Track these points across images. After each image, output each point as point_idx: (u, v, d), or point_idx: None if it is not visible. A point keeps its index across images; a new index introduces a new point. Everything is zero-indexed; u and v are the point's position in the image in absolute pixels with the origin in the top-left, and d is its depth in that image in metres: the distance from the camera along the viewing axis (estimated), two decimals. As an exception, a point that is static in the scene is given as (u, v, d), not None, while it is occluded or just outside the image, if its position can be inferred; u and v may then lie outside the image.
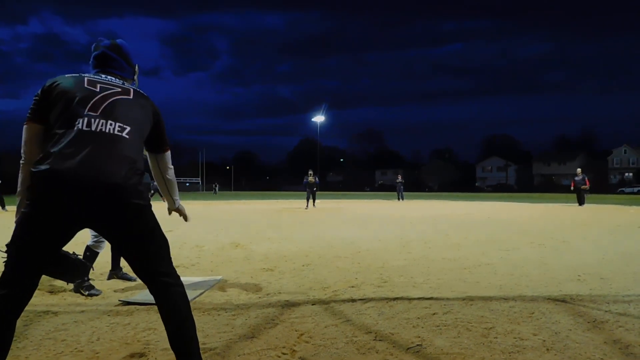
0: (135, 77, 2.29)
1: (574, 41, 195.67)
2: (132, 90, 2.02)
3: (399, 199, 26.85)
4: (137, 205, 1.78)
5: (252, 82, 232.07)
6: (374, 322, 2.86)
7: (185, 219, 2.48)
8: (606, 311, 3.08)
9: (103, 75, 2.03)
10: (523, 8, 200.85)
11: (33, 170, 1.71)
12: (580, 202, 18.84)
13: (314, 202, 18.73)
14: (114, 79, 2.04)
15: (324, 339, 2.53)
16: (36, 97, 1.88)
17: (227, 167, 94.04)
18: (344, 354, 2.32)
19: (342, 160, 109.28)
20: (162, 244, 1.88)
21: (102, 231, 1.80)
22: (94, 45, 2.20)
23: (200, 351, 1.88)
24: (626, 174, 78.41)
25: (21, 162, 1.87)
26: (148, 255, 1.82)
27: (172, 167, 2.26)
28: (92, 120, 1.81)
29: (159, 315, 1.86)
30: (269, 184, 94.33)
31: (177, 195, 2.35)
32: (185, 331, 1.81)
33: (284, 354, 2.33)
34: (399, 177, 27.82)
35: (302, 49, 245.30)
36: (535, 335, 2.58)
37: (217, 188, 59.11)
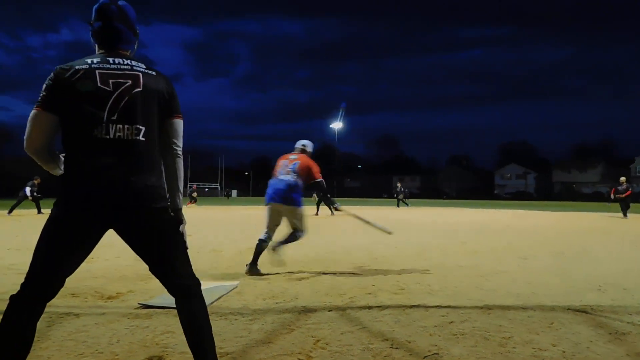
0: (136, 43, 2.01)
1: (593, 47, 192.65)
2: (140, 75, 1.84)
3: (398, 206, 26.31)
4: (158, 209, 1.81)
5: (271, 87, 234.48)
6: (390, 329, 2.85)
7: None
8: (628, 322, 3.01)
9: (111, 60, 1.83)
10: (542, 14, 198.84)
11: (62, 178, 1.77)
12: (624, 212, 16.64)
13: (330, 209, 16.66)
14: (122, 61, 1.84)
15: (340, 346, 2.54)
16: (49, 83, 1.75)
17: (246, 173, 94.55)
18: (359, 361, 2.32)
19: (359, 166, 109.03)
20: (180, 246, 1.89)
21: (124, 235, 1.82)
22: (95, 9, 1.87)
23: (217, 355, 1.89)
24: (649, 182, 76.32)
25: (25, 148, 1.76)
26: (169, 259, 1.84)
27: (180, 145, 1.94)
28: (110, 126, 1.75)
29: (177, 319, 1.89)
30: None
31: (179, 189, 1.92)
32: (203, 335, 1.82)
33: (300, 359, 2.34)
34: (399, 185, 27.48)
35: (321, 55, 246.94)
36: (555, 346, 2.54)
37: (231, 193, 60.24)
